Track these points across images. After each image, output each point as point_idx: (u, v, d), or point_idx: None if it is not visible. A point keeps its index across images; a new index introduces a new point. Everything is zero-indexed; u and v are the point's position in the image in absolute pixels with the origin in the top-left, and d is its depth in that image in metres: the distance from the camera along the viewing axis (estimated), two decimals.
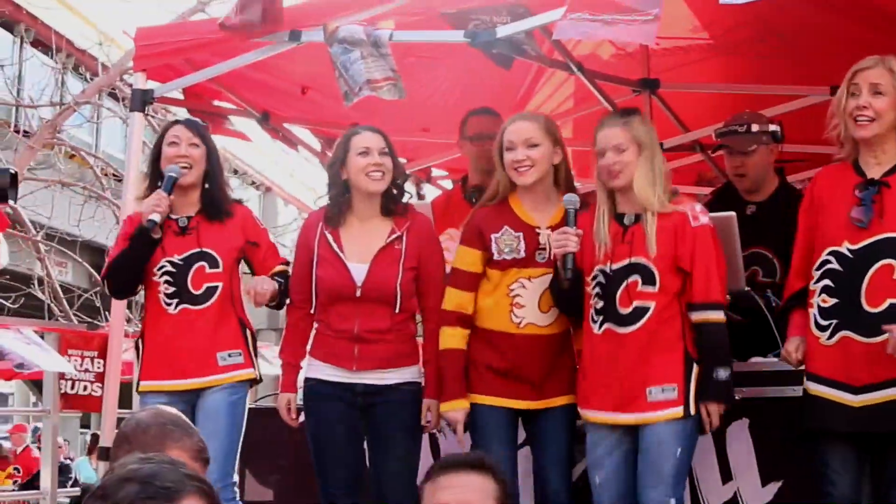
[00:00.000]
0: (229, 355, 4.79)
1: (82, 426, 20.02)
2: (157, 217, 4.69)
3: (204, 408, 4.69)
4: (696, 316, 4.28)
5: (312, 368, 4.67)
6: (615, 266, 4.31)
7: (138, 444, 3.18)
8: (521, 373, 4.49)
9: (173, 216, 4.84)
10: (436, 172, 8.23)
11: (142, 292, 5.01)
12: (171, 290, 4.79)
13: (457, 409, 4.50)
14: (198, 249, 4.80)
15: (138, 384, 4.88)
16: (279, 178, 20.29)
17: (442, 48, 6.03)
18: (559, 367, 4.54)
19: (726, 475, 4.67)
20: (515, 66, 6.06)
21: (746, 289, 4.73)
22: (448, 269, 4.73)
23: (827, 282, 4.16)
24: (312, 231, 4.70)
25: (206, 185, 4.92)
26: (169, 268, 4.81)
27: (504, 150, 4.53)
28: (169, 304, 4.80)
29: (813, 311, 4.19)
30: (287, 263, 5.00)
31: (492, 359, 4.52)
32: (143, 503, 2.32)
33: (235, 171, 20.09)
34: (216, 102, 6.48)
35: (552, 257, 4.41)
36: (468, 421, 4.53)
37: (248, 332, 4.90)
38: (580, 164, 8.40)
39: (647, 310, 4.26)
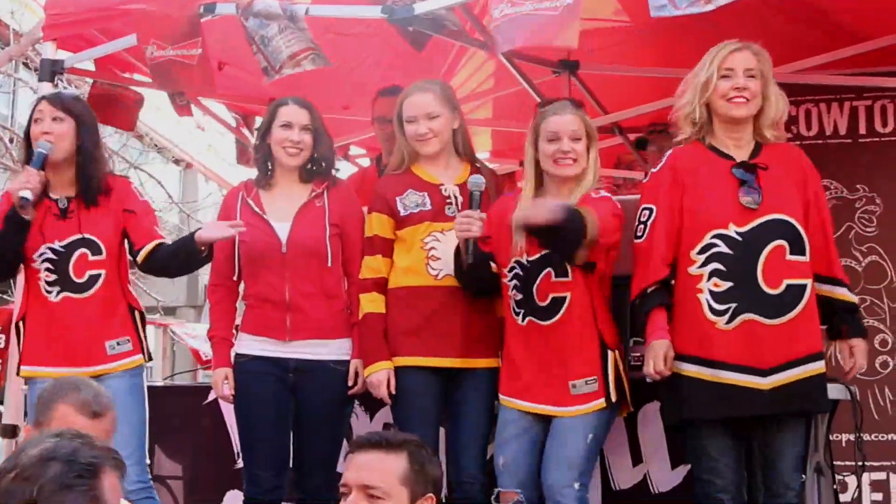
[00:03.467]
0: (118, 343, 4.64)
1: None
2: (28, 194, 4.48)
3: None
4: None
5: (243, 344, 4.61)
6: (531, 258, 4.30)
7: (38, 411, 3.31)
8: (440, 327, 4.45)
9: (53, 196, 4.67)
10: (354, 150, 8.18)
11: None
12: (53, 277, 4.63)
13: (379, 371, 4.43)
14: (79, 236, 4.63)
15: (18, 369, 4.75)
16: (199, 153, 20.03)
17: (362, 26, 5.97)
18: (482, 327, 4.50)
19: (636, 458, 4.68)
20: (436, 44, 6.03)
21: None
22: None
23: (716, 265, 4.11)
24: (233, 204, 4.68)
25: (79, 159, 4.69)
26: (50, 255, 4.63)
27: (405, 122, 4.55)
28: (49, 292, 4.64)
29: (703, 296, 4.11)
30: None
31: (411, 318, 4.47)
32: (73, 482, 2.29)
33: (156, 146, 19.79)
34: (128, 74, 6.35)
35: (457, 241, 4.34)
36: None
37: (136, 314, 4.75)
38: (499, 144, 8.45)
39: (563, 300, 4.25)
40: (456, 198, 4.50)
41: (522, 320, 4.31)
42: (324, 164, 4.68)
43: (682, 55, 6.55)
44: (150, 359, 4.83)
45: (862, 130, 6.45)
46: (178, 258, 4.68)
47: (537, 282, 4.27)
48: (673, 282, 4.20)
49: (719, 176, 4.19)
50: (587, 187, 4.31)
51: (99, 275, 4.63)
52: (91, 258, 4.63)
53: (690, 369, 4.12)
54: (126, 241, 4.75)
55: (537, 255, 4.28)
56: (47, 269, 4.63)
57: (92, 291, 4.63)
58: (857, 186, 6.33)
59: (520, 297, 4.32)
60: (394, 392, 4.44)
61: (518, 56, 6.48)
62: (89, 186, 4.68)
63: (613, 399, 4.24)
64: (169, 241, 4.85)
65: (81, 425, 3.18)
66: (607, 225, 4.17)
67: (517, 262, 4.32)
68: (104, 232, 4.66)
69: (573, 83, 6.85)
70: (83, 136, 4.69)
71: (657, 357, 4.12)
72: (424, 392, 4.47)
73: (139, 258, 4.72)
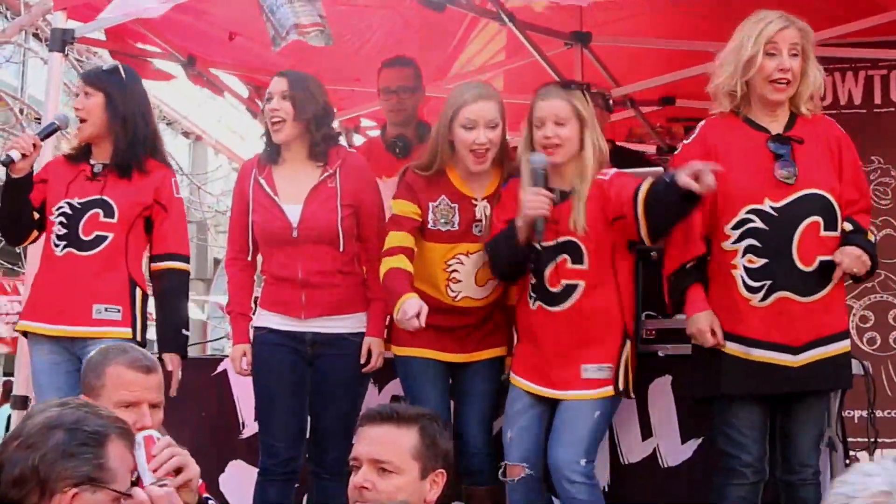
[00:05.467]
0: (106, 309, 4.58)
1: (5, 374, 19.69)
2: (14, 154, 4.50)
3: None
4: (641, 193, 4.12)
5: (262, 318, 4.60)
6: (547, 244, 4.24)
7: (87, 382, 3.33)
8: (452, 338, 4.46)
9: (91, 161, 4.68)
10: (365, 122, 8.14)
11: None
12: (63, 231, 4.63)
13: (410, 300, 4.20)
14: (99, 197, 4.63)
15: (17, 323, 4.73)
16: (208, 125, 20.04)
17: None
18: (492, 327, 4.51)
19: (646, 432, 4.67)
20: (449, 16, 6.00)
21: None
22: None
23: (751, 241, 4.07)
24: (246, 179, 4.64)
25: (115, 131, 4.68)
26: (66, 209, 4.64)
27: (460, 127, 4.34)
28: (57, 246, 4.64)
29: (738, 272, 4.08)
30: (185, 259, 4.75)
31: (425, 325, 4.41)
32: (75, 450, 2.29)
33: (165, 119, 19.77)
34: (139, 45, 6.32)
35: (522, 220, 4.20)
36: (399, 371, 4.52)
37: (137, 291, 4.66)
38: (511, 117, 8.39)
39: (575, 287, 4.22)
40: (486, 218, 4.41)
41: (534, 304, 4.31)
42: (323, 136, 4.58)
43: (694, 27, 6.54)
44: (143, 344, 4.65)
45: (877, 101, 6.38)
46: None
47: (550, 267, 4.24)
48: (708, 257, 4.18)
49: (754, 149, 4.13)
50: (590, 172, 4.24)
51: (106, 237, 4.61)
52: (102, 219, 4.61)
53: (730, 344, 4.10)
54: (145, 227, 4.71)
55: (550, 243, 4.24)
56: (60, 223, 4.64)
57: (95, 251, 4.61)
58: (872, 158, 6.25)
59: (534, 281, 4.30)
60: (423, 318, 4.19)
61: (530, 27, 6.43)
62: (122, 158, 4.67)
63: (621, 388, 4.24)
64: (179, 267, 4.73)
65: (134, 380, 3.24)
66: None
67: (532, 247, 4.26)
68: (124, 200, 4.64)
69: (585, 55, 6.80)
70: (112, 108, 4.68)
71: (703, 330, 4.09)
72: (431, 375, 4.47)
73: (150, 266, 4.72)
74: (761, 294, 4.06)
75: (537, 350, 4.30)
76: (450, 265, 4.45)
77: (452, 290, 4.45)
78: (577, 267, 4.22)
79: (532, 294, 4.31)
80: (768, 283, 4.05)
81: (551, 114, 4.23)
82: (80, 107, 4.69)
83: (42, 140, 4.63)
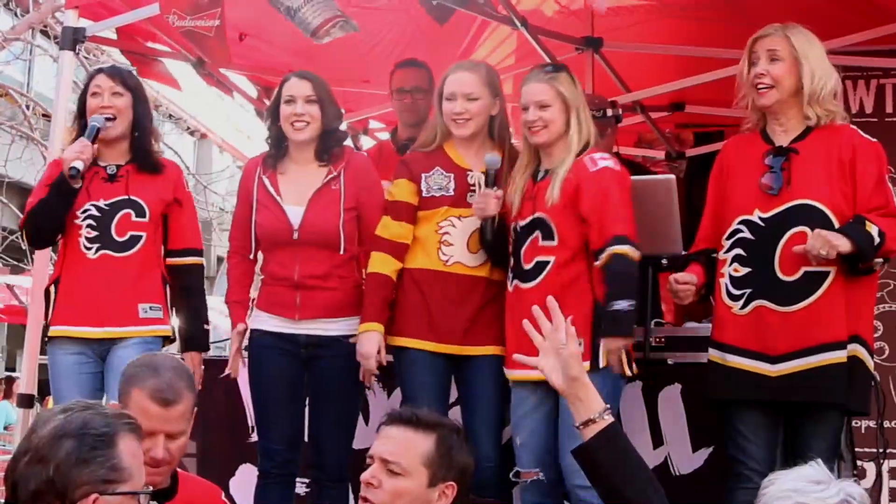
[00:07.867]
0: (150, 308, 4.65)
1: (7, 369, 19.67)
2: (80, 165, 4.48)
3: (114, 364, 4.45)
4: (601, 258, 4.17)
5: (257, 320, 4.60)
6: (522, 223, 4.33)
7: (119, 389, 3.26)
8: (447, 314, 4.42)
9: (101, 164, 4.66)
10: (374, 125, 8.14)
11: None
12: (93, 234, 4.62)
13: (370, 333, 4.36)
14: (125, 197, 4.64)
15: (47, 329, 4.66)
16: (214, 124, 20.02)
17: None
18: (490, 316, 4.47)
19: (657, 440, 4.66)
20: (459, 19, 6.01)
21: (684, 253, 4.68)
22: None
23: (738, 251, 4.12)
24: (251, 177, 4.64)
25: (136, 134, 4.72)
26: (93, 212, 4.63)
27: (444, 99, 4.48)
28: (89, 249, 4.62)
29: (724, 280, 4.14)
30: (201, 253, 4.90)
31: (419, 301, 4.45)
32: (88, 456, 2.28)
33: (171, 117, 19.77)
34: (150, 44, 6.32)
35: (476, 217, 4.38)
36: (393, 365, 4.49)
37: (167, 288, 4.75)
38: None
39: (546, 264, 4.24)
40: (481, 186, 4.44)
41: (511, 285, 4.34)
42: (335, 138, 4.63)
43: (705, 34, 6.54)
44: (174, 339, 4.80)
45: (889, 109, 6.33)
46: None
47: (525, 245, 4.29)
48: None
49: (753, 162, 4.18)
50: (574, 151, 4.28)
51: (140, 236, 4.64)
52: (134, 219, 4.64)
53: (710, 352, 4.19)
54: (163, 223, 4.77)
55: (527, 220, 4.30)
56: (89, 226, 4.63)
57: (131, 252, 4.63)
58: None
59: (512, 261, 4.35)
60: (384, 363, 4.40)
61: (542, 32, 6.42)
62: (147, 158, 4.72)
63: (601, 364, 4.15)
64: (198, 262, 4.89)
65: (153, 412, 3.11)
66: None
67: (513, 227, 4.36)
68: (150, 198, 4.68)
69: (596, 60, 6.79)
70: (139, 109, 4.73)
71: (675, 278, 4.20)
72: (429, 368, 4.45)
73: (168, 261, 4.77)
74: (741, 302, 4.11)
75: (518, 331, 4.25)
76: (441, 227, 4.48)
77: (444, 254, 4.46)
78: (547, 243, 4.26)
79: (510, 274, 4.36)
80: (748, 291, 4.09)
81: (533, 98, 4.31)
82: (111, 104, 4.66)
83: (92, 143, 4.60)
